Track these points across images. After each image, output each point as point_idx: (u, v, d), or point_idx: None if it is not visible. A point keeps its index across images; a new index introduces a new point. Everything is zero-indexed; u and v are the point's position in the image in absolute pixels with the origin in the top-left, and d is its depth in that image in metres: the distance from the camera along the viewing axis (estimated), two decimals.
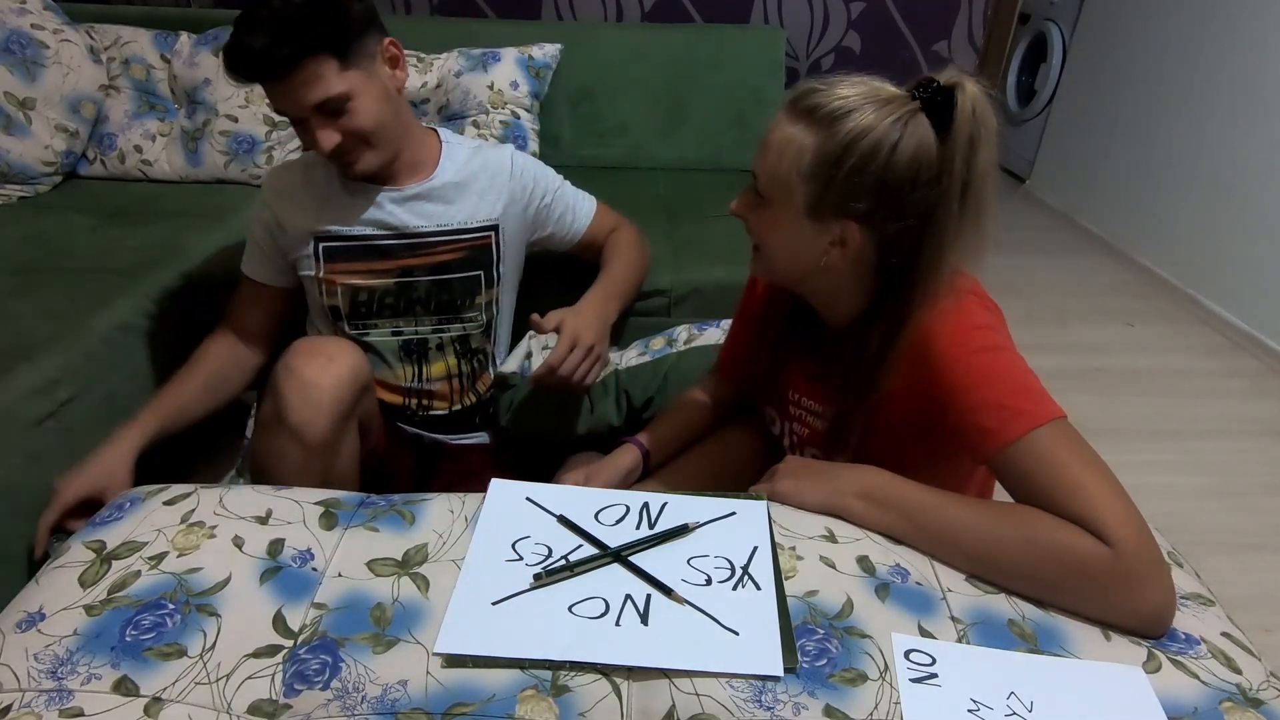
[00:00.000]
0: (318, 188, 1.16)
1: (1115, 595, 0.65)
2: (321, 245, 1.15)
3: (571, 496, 0.79)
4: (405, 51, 2.12)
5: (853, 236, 0.78)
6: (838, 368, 0.87)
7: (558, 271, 1.44)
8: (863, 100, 0.74)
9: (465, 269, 1.21)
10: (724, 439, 1.10)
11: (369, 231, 1.16)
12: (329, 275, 1.16)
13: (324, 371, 0.93)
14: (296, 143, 2.05)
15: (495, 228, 1.23)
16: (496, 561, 0.70)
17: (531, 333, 1.37)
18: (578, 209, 1.34)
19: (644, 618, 0.64)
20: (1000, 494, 0.78)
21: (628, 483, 1.03)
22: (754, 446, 1.08)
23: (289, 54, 0.97)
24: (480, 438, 1.32)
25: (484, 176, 1.21)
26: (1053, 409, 0.71)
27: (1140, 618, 0.65)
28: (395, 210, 1.16)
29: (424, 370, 1.24)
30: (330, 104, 1.02)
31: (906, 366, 0.79)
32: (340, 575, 0.68)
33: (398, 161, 1.14)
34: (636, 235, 1.40)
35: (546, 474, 1.14)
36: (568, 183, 1.34)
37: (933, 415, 0.77)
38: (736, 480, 1.00)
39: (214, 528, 0.71)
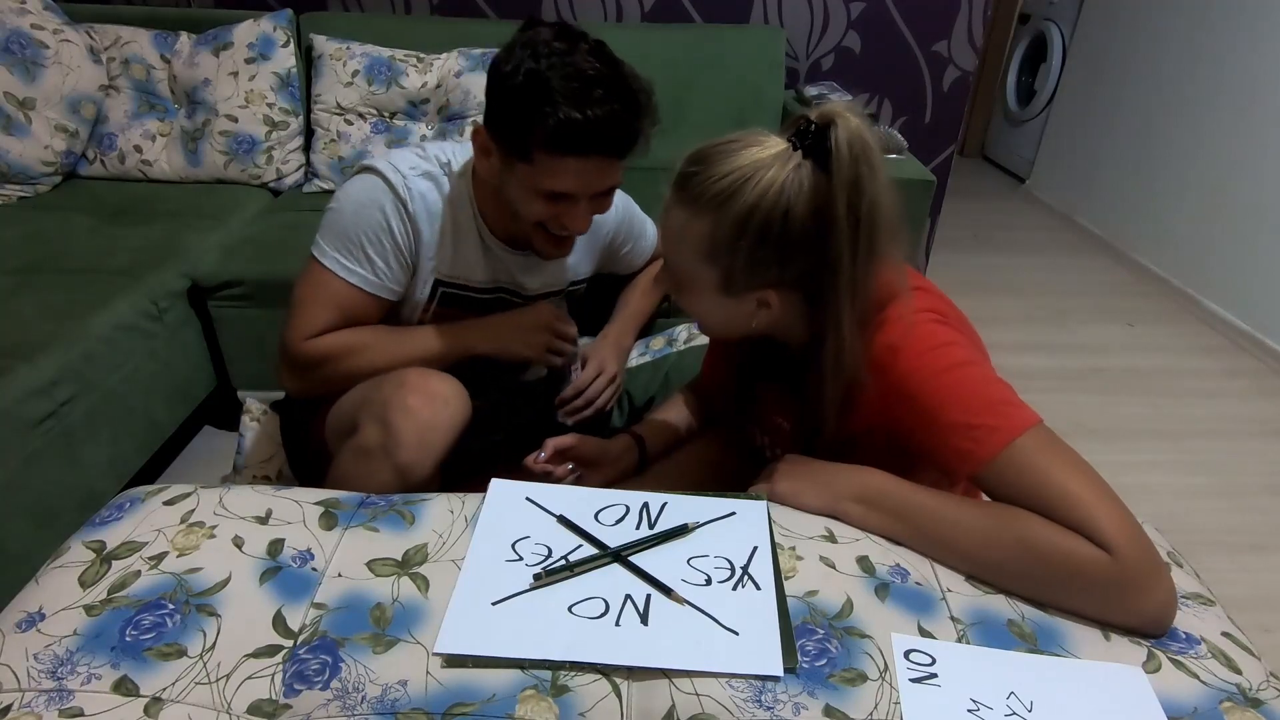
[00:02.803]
0: (460, 230, 1.09)
1: (1116, 600, 0.65)
2: (442, 289, 1.11)
3: (571, 496, 0.79)
4: (405, 52, 2.12)
5: (773, 299, 0.78)
6: (804, 392, 0.87)
7: None
8: (744, 175, 0.73)
9: None
10: (716, 437, 1.09)
11: (488, 287, 1.14)
12: (437, 319, 1.13)
13: (440, 415, 0.92)
14: (295, 142, 2.05)
15: (589, 280, 1.27)
16: (496, 561, 0.70)
17: None
18: (647, 245, 1.35)
19: (644, 618, 0.64)
20: None
21: (616, 457, 1.03)
22: (746, 445, 1.08)
23: (636, 131, 0.93)
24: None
25: (591, 231, 1.13)
26: (1024, 419, 0.69)
27: (1142, 619, 0.65)
28: (514, 271, 1.15)
29: None
30: (612, 191, 1.01)
31: (877, 400, 0.78)
32: (340, 575, 0.68)
33: None
34: None
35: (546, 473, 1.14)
36: (640, 212, 1.33)
37: (914, 448, 0.76)
38: (733, 475, 1.00)
39: (214, 528, 0.71)
